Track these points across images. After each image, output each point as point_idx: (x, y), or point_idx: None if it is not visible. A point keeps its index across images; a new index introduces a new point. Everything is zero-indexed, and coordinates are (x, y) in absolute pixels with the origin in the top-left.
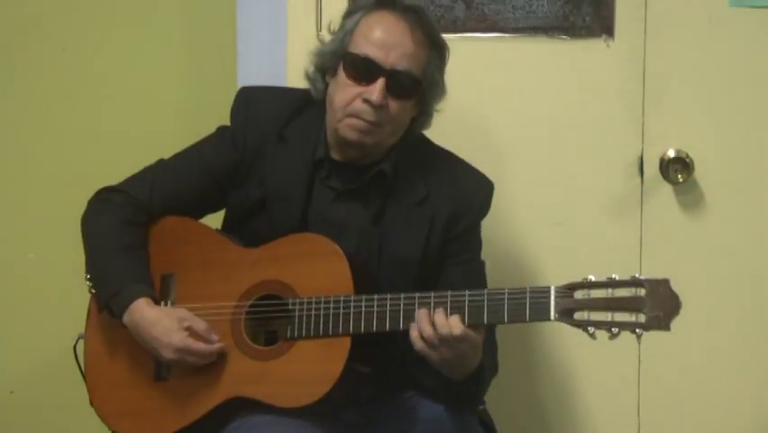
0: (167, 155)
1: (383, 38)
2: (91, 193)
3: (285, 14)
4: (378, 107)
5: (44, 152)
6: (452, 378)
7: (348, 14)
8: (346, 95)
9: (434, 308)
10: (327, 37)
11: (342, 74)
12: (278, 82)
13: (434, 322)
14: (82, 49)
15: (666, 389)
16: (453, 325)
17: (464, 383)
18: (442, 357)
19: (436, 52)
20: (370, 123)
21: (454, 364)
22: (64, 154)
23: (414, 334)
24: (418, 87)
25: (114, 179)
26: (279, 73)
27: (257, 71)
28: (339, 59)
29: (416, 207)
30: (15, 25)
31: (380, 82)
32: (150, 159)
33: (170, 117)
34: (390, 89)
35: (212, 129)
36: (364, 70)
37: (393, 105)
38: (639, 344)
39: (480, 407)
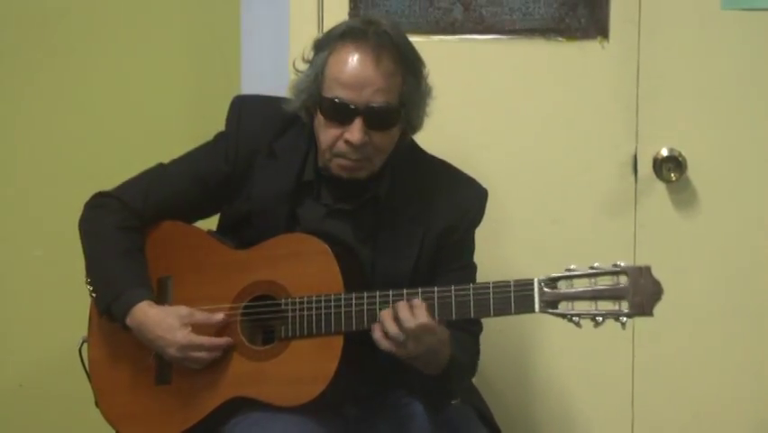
0: (172, 155)
1: (352, 78)
2: (94, 191)
3: (287, 19)
4: (360, 146)
5: (51, 150)
6: (426, 373)
7: (317, 49)
8: (328, 136)
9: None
10: (302, 66)
11: (320, 115)
12: (281, 85)
13: (399, 318)
14: (89, 51)
15: (660, 382)
16: (419, 314)
17: (437, 379)
18: (410, 353)
19: (410, 74)
20: (356, 160)
21: (426, 358)
22: (70, 153)
23: (377, 334)
24: (398, 115)
25: (119, 179)
26: (282, 77)
27: (260, 75)
28: (315, 100)
29: (408, 225)
30: (23, 27)
31: (358, 122)
32: (154, 159)
33: (176, 118)
34: (370, 125)
35: (215, 131)
36: (340, 113)
37: (376, 137)
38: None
39: (453, 402)
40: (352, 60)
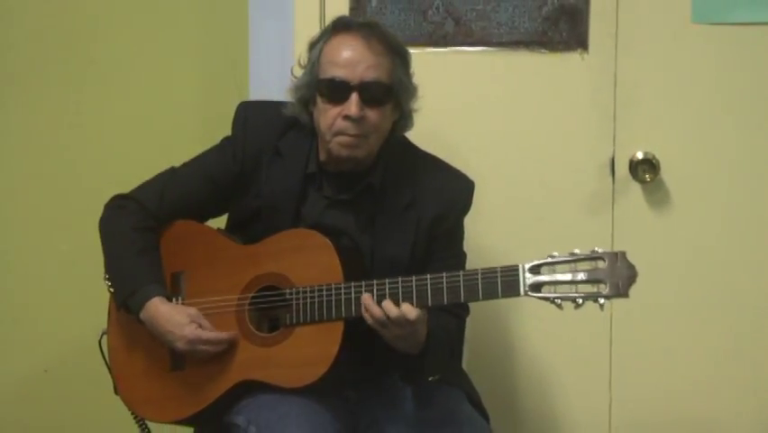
0: (185, 157)
1: (345, 57)
2: (115, 191)
3: (292, 32)
4: (358, 120)
5: (76, 156)
6: (405, 352)
7: (311, 46)
8: (328, 118)
9: (405, 293)
10: (299, 71)
11: (319, 100)
12: (286, 93)
13: (386, 309)
14: (108, 62)
15: (636, 368)
16: (407, 311)
17: (414, 356)
18: (393, 335)
19: (399, 59)
20: (355, 136)
21: (407, 341)
22: (93, 158)
23: (367, 315)
24: (390, 93)
25: (137, 180)
26: (287, 84)
27: (267, 84)
28: (314, 88)
29: (403, 212)
30: (49, 41)
31: (354, 96)
32: (170, 162)
33: (189, 125)
34: (365, 101)
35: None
36: (337, 91)
37: (371, 114)
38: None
39: (430, 378)
40: (345, 43)
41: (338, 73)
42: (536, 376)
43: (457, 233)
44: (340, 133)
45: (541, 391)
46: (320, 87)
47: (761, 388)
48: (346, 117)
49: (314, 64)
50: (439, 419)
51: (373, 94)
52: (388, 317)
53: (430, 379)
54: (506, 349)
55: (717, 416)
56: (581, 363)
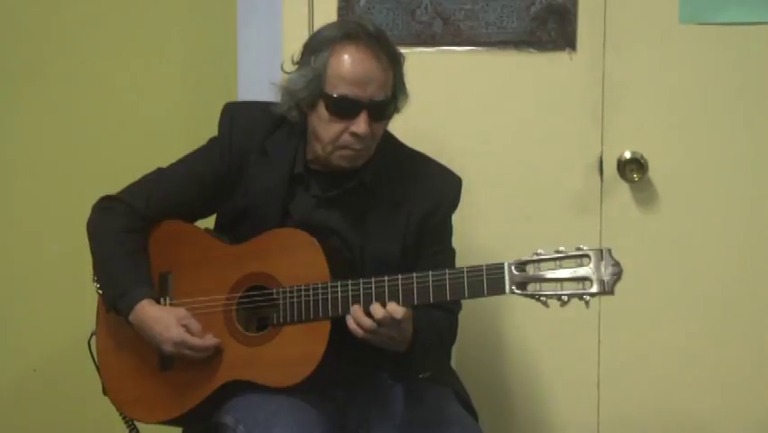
0: (174, 158)
1: (356, 75)
2: (104, 192)
3: (280, 35)
4: (365, 137)
5: (66, 158)
6: (393, 350)
7: (312, 51)
8: (332, 131)
9: (391, 292)
10: (291, 67)
11: (323, 112)
12: (275, 94)
13: (373, 311)
14: (96, 62)
15: (625, 367)
16: (393, 310)
17: (402, 354)
18: (382, 340)
19: (398, 67)
20: (359, 150)
21: (394, 340)
22: (82, 157)
23: (352, 326)
24: (393, 106)
25: (125, 179)
26: (275, 88)
27: (255, 86)
28: (316, 97)
29: (393, 208)
30: (37, 41)
31: (363, 115)
32: (159, 162)
33: (178, 126)
34: (372, 117)
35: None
36: (346, 109)
37: (376, 127)
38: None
39: (421, 375)
40: (355, 60)
41: (348, 92)
42: (525, 375)
43: (446, 228)
44: (345, 147)
45: (530, 389)
46: (327, 101)
47: (749, 385)
48: (353, 134)
49: (318, 75)
50: (428, 418)
51: (381, 111)
52: (378, 324)
53: (420, 376)
54: (495, 348)
55: (705, 414)
56: (570, 361)
